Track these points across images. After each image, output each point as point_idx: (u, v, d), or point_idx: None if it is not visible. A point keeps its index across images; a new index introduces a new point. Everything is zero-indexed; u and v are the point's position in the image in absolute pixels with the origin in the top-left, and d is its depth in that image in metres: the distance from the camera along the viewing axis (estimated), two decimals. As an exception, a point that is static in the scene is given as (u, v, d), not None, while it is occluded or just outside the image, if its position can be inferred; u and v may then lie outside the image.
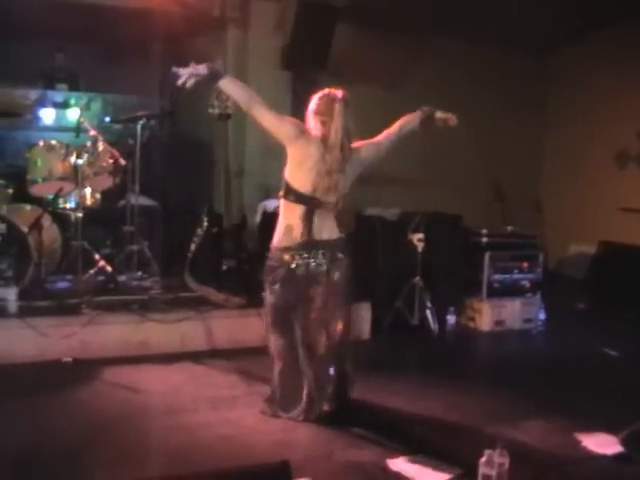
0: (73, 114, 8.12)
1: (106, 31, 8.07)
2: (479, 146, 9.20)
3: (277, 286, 4.07)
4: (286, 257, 4.03)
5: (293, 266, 4.02)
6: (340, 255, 4.10)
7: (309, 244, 4.01)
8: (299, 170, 3.98)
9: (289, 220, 4.03)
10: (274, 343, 4.19)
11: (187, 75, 3.80)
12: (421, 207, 7.05)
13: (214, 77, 3.88)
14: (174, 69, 3.84)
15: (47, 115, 8.20)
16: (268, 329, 4.24)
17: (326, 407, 4.10)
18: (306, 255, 4.01)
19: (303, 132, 3.99)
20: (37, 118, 8.15)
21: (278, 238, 4.09)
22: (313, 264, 4.03)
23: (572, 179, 9.47)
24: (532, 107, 9.79)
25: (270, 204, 6.85)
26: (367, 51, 8.38)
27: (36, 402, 4.32)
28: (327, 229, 4.08)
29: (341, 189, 4.06)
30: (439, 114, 4.71)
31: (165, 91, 8.95)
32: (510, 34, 8.59)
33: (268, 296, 4.15)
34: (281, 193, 4.08)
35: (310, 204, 3.98)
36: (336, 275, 4.08)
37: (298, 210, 4.00)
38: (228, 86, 3.97)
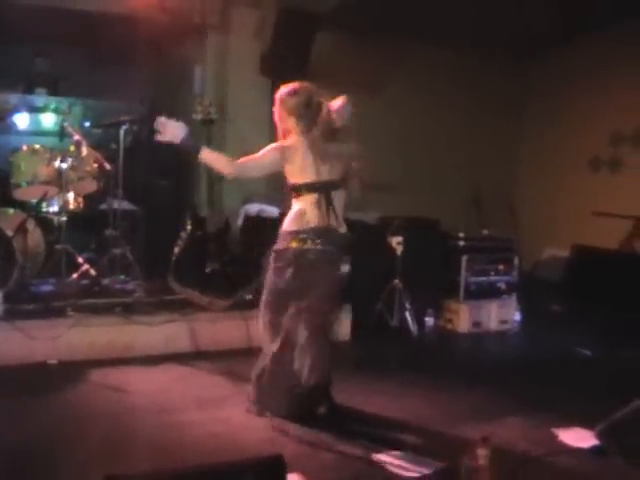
0: (49, 119, 8.19)
1: (87, 36, 8.12)
2: (456, 151, 9.37)
3: (289, 270, 4.08)
4: (296, 241, 4.06)
5: (305, 248, 4.05)
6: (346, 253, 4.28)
7: (323, 230, 4.06)
8: (301, 172, 4.08)
9: (302, 206, 4.09)
10: (270, 337, 4.22)
11: (168, 139, 3.99)
12: (399, 211, 7.18)
13: (194, 151, 4.04)
14: (160, 122, 3.99)
15: (24, 120, 8.19)
16: (265, 321, 4.24)
17: (322, 410, 4.19)
18: (318, 240, 4.05)
19: (286, 149, 4.10)
20: (16, 122, 8.16)
21: (289, 222, 4.12)
22: (324, 250, 4.07)
23: (546, 184, 9.65)
24: (509, 113, 9.97)
25: (252, 208, 6.95)
26: (347, 58, 8.49)
27: (24, 403, 4.36)
28: (340, 219, 4.18)
29: (343, 159, 4.20)
30: None
31: (145, 96, 9.01)
32: (487, 41, 8.74)
33: (275, 281, 4.16)
34: (294, 195, 4.15)
35: (321, 189, 4.08)
36: (339, 270, 4.21)
37: (310, 197, 4.07)
38: (207, 158, 4.08)
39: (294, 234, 4.09)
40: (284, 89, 4.21)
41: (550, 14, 7.72)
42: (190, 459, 3.58)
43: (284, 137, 4.20)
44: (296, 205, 4.13)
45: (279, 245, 4.14)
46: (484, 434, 3.40)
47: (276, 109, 4.22)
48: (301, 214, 4.08)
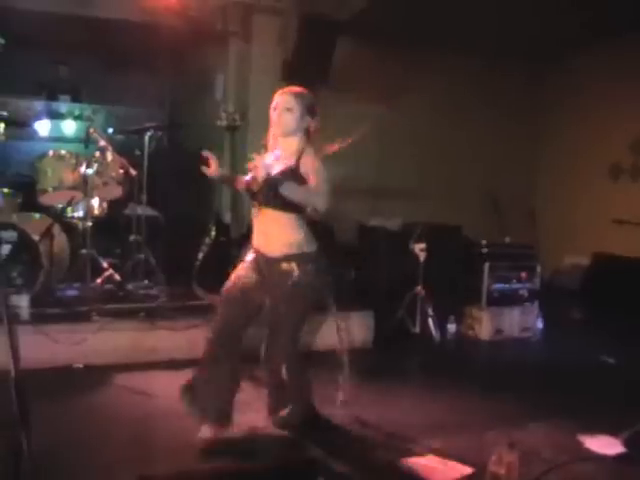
0: (70, 125, 8.27)
1: (109, 43, 8.21)
2: (476, 158, 9.35)
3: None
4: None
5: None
6: None
7: None
8: None
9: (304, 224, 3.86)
10: None
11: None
12: (419, 218, 7.19)
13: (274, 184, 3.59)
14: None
15: (45, 126, 8.27)
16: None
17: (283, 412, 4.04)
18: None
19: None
20: (37, 129, 8.24)
21: (311, 243, 3.87)
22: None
23: (566, 191, 9.62)
24: (528, 119, 9.93)
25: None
26: (367, 65, 8.49)
27: (49, 407, 4.37)
28: None
29: None
30: None
31: (167, 103, 9.09)
32: (507, 48, 8.73)
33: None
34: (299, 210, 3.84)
35: None
36: None
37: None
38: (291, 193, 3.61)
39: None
40: (295, 88, 3.92)
41: (570, 20, 7.70)
42: (214, 463, 3.60)
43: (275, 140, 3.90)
44: (300, 222, 3.83)
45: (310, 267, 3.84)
46: (509, 440, 3.41)
47: (291, 106, 3.82)
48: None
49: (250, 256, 3.93)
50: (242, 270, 3.94)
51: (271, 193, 3.59)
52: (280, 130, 3.82)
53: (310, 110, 3.84)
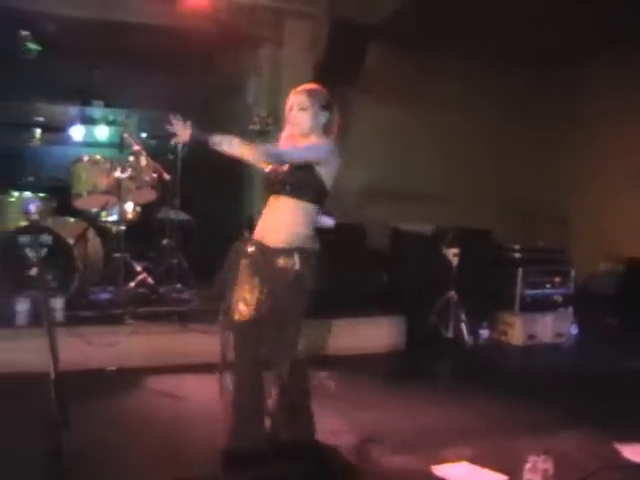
0: (103, 131, 8.36)
1: (142, 48, 8.26)
2: (505, 162, 9.29)
3: None
4: None
5: None
6: None
7: None
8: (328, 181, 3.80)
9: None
10: None
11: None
12: (450, 222, 7.16)
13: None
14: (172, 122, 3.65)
15: (79, 132, 8.38)
16: None
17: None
18: None
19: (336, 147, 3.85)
20: (72, 135, 8.35)
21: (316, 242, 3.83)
22: None
23: (599, 195, 9.50)
24: (559, 124, 9.84)
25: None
26: (396, 69, 8.48)
27: (82, 408, 4.41)
28: None
29: None
30: None
31: (198, 107, 9.11)
32: (536, 51, 8.66)
33: None
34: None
35: None
36: None
37: None
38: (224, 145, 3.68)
39: None
40: (309, 85, 3.84)
41: (595, 24, 7.62)
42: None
43: (294, 139, 3.83)
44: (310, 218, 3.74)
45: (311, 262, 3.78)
46: (544, 447, 3.37)
47: (306, 105, 3.74)
48: None
49: (249, 250, 3.81)
50: (244, 291, 3.77)
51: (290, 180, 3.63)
52: (297, 130, 3.79)
53: (325, 106, 3.78)
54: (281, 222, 3.71)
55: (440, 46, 8.34)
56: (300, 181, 3.64)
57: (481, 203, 8.87)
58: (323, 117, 3.80)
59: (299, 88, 3.85)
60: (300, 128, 3.79)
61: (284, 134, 3.89)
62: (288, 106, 3.80)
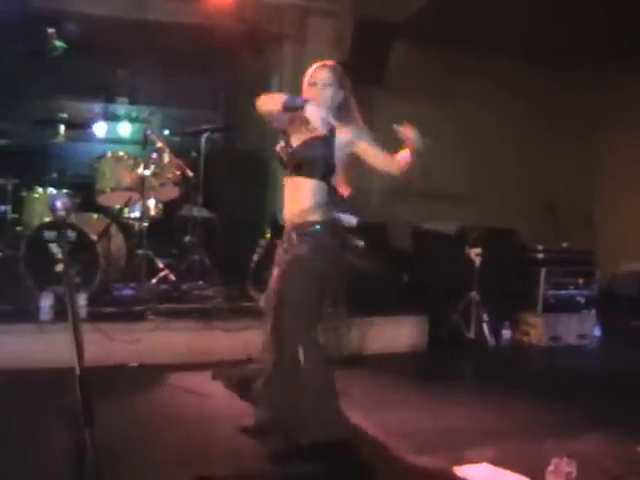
0: (126, 127, 8.41)
1: (165, 46, 8.28)
2: (531, 162, 9.21)
3: None
4: None
5: None
6: None
7: None
8: None
9: None
10: None
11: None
12: (474, 222, 7.12)
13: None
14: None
15: (102, 128, 8.43)
16: None
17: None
18: None
19: None
20: (95, 131, 8.40)
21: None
22: None
23: (625, 196, 9.41)
24: (586, 121, 9.75)
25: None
26: (420, 67, 8.44)
27: (104, 404, 4.41)
28: None
29: None
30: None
31: (222, 104, 9.16)
32: (564, 48, 8.58)
33: None
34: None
35: None
36: None
37: None
38: None
39: None
40: (329, 61, 3.89)
41: (628, 19, 7.54)
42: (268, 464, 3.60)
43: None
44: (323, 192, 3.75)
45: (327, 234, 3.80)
46: (567, 450, 3.34)
47: (331, 81, 3.77)
48: None
49: (284, 236, 3.85)
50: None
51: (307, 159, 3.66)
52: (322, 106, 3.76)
53: (342, 85, 3.79)
54: (299, 200, 3.71)
55: (465, 44, 8.28)
56: (315, 159, 3.67)
57: (506, 203, 8.80)
58: (339, 96, 3.79)
59: (320, 63, 3.85)
60: (324, 104, 3.76)
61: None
62: (310, 81, 3.79)
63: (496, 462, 3.74)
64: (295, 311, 3.66)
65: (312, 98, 3.72)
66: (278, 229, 6.27)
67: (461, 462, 3.73)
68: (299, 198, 3.72)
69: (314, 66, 3.85)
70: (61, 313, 5.01)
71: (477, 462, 3.75)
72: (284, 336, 3.70)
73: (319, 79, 3.77)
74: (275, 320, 3.75)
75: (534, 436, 4.22)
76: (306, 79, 3.82)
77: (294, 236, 3.75)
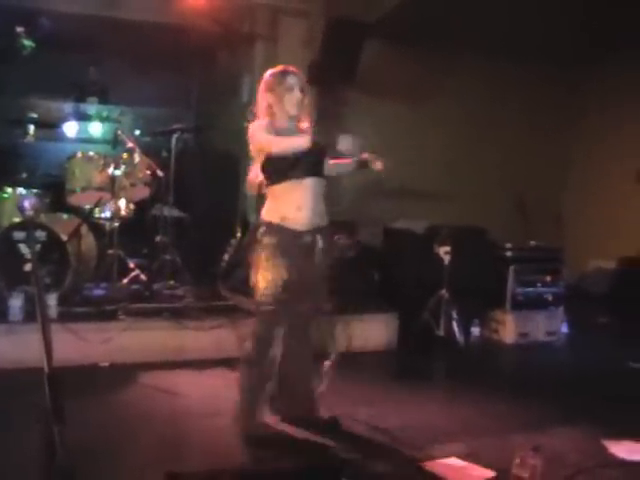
0: (97, 127, 8.36)
1: (137, 45, 8.24)
2: (503, 161, 9.29)
3: None
4: None
5: None
6: None
7: None
8: None
9: None
10: None
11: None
12: (445, 220, 7.18)
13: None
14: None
15: (73, 128, 8.37)
16: None
17: None
18: None
19: None
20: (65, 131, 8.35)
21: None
22: None
23: (593, 194, 9.53)
24: (558, 122, 9.84)
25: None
26: (394, 67, 8.47)
27: (75, 405, 4.41)
28: None
29: None
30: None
31: (193, 104, 9.12)
32: (539, 50, 8.66)
33: None
34: None
35: None
36: None
37: None
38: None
39: None
40: (293, 67, 3.90)
41: (602, 25, 7.63)
42: (242, 462, 3.63)
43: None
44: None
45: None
46: (534, 444, 3.40)
47: (304, 84, 3.85)
48: None
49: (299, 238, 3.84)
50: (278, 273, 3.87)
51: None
52: (304, 112, 3.80)
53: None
54: (310, 205, 3.76)
55: (439, 42, 8.34)
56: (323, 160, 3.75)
57: (480, 201, 8.88)
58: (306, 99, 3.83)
59: (290, 68, 3.85)
60: (303, 110, 3.78)
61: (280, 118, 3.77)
62: (290, 87, 3.75)
63: (465, 457, 3.81)
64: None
65: (294, 104, 3.74)
66: (248, 228, 6.32)
67: (429, 458, 3.79)
68: (320, 199, 3.80)
69: (283, 71, 3.83)
70: (31, 313, 4.99)
71: (446, 457, 3.81)
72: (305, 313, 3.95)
73: (296, 85, 3.77)
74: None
75: (503, 431, 4.30)
76: (274, 83, 3.80)
77: (318, 237, 3.82)
